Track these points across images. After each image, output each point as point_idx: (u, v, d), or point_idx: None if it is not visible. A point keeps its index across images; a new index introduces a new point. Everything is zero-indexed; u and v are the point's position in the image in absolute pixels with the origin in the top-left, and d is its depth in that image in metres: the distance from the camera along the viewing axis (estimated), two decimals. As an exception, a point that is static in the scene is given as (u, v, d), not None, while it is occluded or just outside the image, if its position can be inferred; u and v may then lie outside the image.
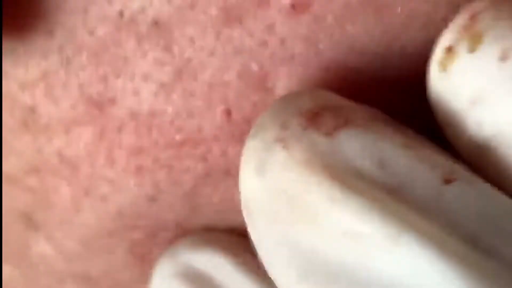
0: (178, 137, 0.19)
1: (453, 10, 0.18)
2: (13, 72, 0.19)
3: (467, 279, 0.14)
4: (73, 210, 0.20)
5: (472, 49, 0.16)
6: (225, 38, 0.18)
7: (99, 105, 0.18)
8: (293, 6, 0.17)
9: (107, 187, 0.19)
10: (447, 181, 0.16)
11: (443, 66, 0.17)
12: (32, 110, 0.19)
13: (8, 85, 0.19)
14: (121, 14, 0.18)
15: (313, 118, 0.16)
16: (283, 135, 0.16)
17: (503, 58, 0.16)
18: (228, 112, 0.18)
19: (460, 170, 0.16)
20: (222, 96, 0.18)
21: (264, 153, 0.16)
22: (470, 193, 0.16)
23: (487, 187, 0.16)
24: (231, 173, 0.19)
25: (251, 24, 0.18)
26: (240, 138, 0.18)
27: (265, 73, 0.18)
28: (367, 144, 0.16)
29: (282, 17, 0.17)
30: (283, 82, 0.18)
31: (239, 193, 0.17)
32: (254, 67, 0.18)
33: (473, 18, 0.17)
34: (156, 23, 0.18)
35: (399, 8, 0.18)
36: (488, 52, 0.16)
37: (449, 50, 0.17)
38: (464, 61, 0.17)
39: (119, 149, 0.19)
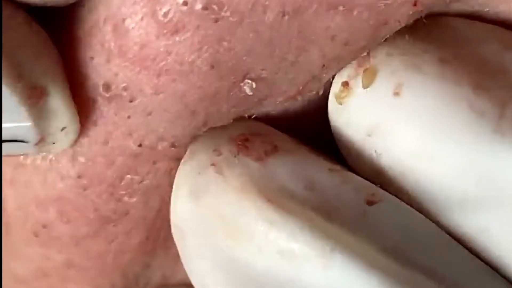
0: None
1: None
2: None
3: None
4: None
5: (366, 85, 0.17)
6: None
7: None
8: None
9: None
10: (370, 203, 0.17)
11: (340, 100, 0.18)
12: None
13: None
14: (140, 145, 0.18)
15: (244, 143, 0.17)
16: (216, 160, 0.17)
17: (396, 93, 0.17)
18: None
19: (380, 191, 0.17)
20: None
21: (198, 178, 0.17)
22: (390, 212, 0.17)
23: (404, 205, 0.17)
24: None
25: None
26: None
27: None
28: (296, 169, 0.17)
29: None
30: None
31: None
32: None
33: (367, 54, 0.18)
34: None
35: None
36: (382, 87, 0.17)
37: (346, 85, 0.18)
38: (359, 96, 0.17)
39: None
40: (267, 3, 0.16)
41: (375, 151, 0.17)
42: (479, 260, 0.17)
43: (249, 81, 0.17)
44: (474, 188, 0.16)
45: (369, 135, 0.17)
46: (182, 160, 0.18)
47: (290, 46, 0.17)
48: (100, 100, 0.17)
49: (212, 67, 0.17)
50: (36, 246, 0.19)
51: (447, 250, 0.17)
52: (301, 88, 0.18)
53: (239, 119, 0.18)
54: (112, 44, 0.17)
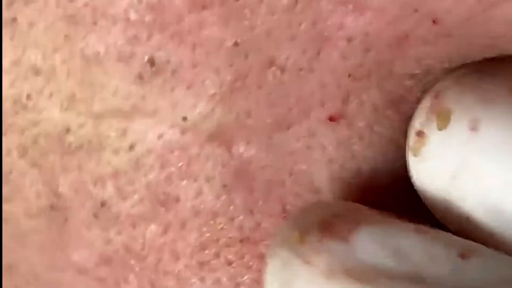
0: (238, 235, 0.19)
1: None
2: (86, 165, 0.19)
3: None
4: None
5: (442, 127, 0.17)
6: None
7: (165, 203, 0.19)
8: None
9: (171, 281, 0.20)
10: (465, 256, 0.16)
11: (416, 151, 0.17)
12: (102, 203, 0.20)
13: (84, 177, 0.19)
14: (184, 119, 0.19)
15: (327, 228, 0.17)
16: (301, 250, 0.17)
17: (473, 128, 0.16)
18: (284, 210, 0.19)
19: (473, 244, 0.16)
20: (279, 195, 0.19)
21: (285, 272, 0.17)
22: (488, 263, 0.16)
23: (501, 255, 0.16)
24: None
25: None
26: None
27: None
28: (381, 240, 0.16)
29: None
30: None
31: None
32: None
33: (438, 96, 0.17)
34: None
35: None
36: (458, 126, 0.17)
37: (420, 134, 0.17)
38: (435, 141, 0.17)
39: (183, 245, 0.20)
40: None
41: (460, 194, 0.17)
42: None
43: (275, 68, 0.18)
44: None
45: (453, 178, 0.17)
46: (267, 258, 0.18)
47: (308, 36, 0.18)
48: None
49: (236, 44, 0.18)
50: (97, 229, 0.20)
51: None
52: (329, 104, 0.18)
53: (316, 203, 0.18)
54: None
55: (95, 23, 0.18)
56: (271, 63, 0.18)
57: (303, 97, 0.19)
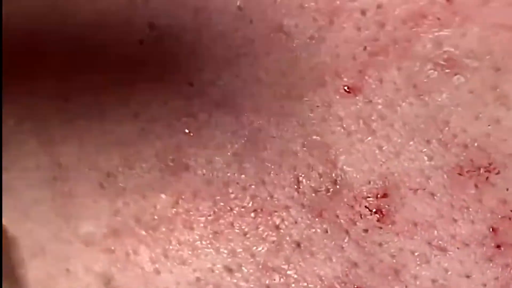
0: (251, 206, 0.19)
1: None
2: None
3: None
4: (153, 272, 0.20)
5: None
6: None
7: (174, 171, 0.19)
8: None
9: (186, 251, 0.19)
10: None
11: None
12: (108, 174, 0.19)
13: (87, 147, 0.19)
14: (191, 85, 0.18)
15: None
16: None
17: None
18: (298, 181, 0.18)
19: None
20: (291, 165, 0.18)
21: None
22: None
23: None
24: (301, 244, 0.19)
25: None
26: (308, 209, 0.18)
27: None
28: None
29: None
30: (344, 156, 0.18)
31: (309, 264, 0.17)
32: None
33: None
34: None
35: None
36: None
37: None
38: None
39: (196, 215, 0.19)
40: None
41: None
42: None
43: (283, 35, 0.18)
44: None
45: None
46: None
47: (318, 5, 0.17)
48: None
49: (240, 8, 0.18)
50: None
51: None
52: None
53: None
54: None
55: None
56: (278, 29, 0.18)
57: (316, 66, 0.18)
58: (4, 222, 0.20)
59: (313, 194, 0.18)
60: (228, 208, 0.19)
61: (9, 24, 0.18)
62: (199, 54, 0.18)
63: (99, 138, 0.19)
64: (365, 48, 0.18)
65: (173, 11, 0.18)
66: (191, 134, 0.18)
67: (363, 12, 0.17)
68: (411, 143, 0.17)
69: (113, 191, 0.19)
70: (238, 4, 0.17)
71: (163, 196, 0.19)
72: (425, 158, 0.17)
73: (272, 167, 0.19)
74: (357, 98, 0.18)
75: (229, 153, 0.19)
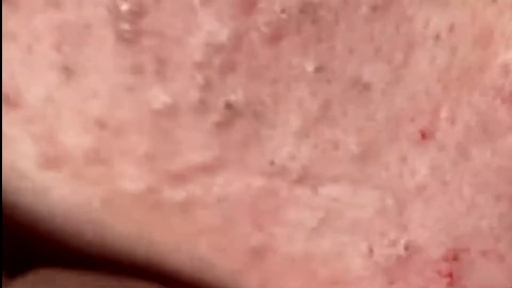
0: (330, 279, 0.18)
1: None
2: None
3: None
4: None
5: None
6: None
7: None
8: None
9: None
10: None
11: None
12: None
13: None
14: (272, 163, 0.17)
15: None
16: None
17: None
18: (370, 250, 0.18)
19: None
20: (364, 234, 0.18)
21: None
22: None
23: None
24: None
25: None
26: (382, 278, 0.18)
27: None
28: None
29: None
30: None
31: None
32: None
33: None
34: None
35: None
36: None
37: None
38: None
39: None
40: None
41: None
42: None
43: (361, 87, 0.17)
44: None
45: None
46: None
47: (394, 44, 0.16)
48: None
49: (318, 69, 0.16)
50: None
51: None
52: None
53: None
54: None
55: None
56: (355, 82, 0.17)
57: (391, 115, 0.17)
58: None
59: (386, 262, 0.18)
60: (308, 284, 0.18)
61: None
62: (278, 128, 0.17)
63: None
64: (439, 80, 0.17)
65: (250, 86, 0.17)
66: (273, 213, 0.18)
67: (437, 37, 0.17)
68: (482, 198, 0.17)
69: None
70: (316, 65, 0.17)
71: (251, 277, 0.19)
72: (495, 217, 0.17)
73: (347, 237, 0.18)
74: (430, 145, 0.17)
75: (308, 228, 0.18)
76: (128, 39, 0.16)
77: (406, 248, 0.18)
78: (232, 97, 0.17)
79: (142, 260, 0.19)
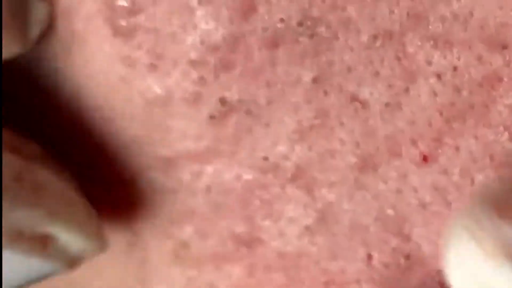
0: (322, 279, 0.18)
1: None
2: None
3: None
4: None
5: None
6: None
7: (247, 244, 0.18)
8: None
9: None
10: None
11: None
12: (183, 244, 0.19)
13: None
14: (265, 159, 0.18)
15: (501, 210, 0.16)
16: (479, 235, 0.16)
17: None
18: (369, 256, 0.18)
19: None
20: (363, 240, 0.18)
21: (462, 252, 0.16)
22: None
23: None
24: None
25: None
26: (379, 285, 0.18)
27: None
28: None
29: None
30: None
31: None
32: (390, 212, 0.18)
33: None
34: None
35: None
36: None
37: None
38: None
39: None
40: (359, 25, 0.17)
41: None
42: None
43: (358, 103, 0.17)
44: None
45: None
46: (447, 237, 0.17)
47: (394, 72, 0.17)
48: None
49: (315, 80, 0.17)
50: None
51: None
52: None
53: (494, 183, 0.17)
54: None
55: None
56: (353, 99, 0.17)
57: (391, 135, 0.17)
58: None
59: (385, 269, 0.18)
60: (299, 280, 0.19)
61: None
62: (272, 128, 0.17)
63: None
64: (441, 114, 0.17)
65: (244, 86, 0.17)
66: (264, 207, 0.18)
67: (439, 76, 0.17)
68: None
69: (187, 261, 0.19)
70: (313, 76, 0.17)
71: (236, 268, 0.19)
72: None
73: (344, 241, 0.18)
74: (433, 167, 0.17)
75: (301, 227, 0.18)
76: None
77: (407, 257, 0.18)
78: (227, 94, 0.17)
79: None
